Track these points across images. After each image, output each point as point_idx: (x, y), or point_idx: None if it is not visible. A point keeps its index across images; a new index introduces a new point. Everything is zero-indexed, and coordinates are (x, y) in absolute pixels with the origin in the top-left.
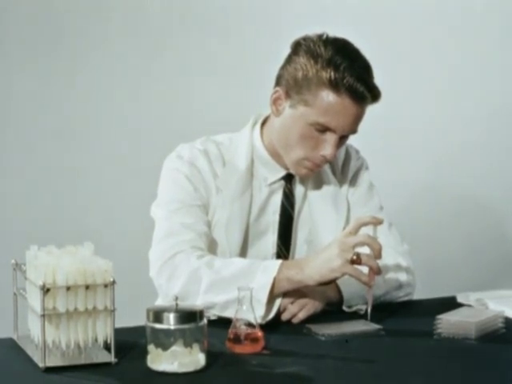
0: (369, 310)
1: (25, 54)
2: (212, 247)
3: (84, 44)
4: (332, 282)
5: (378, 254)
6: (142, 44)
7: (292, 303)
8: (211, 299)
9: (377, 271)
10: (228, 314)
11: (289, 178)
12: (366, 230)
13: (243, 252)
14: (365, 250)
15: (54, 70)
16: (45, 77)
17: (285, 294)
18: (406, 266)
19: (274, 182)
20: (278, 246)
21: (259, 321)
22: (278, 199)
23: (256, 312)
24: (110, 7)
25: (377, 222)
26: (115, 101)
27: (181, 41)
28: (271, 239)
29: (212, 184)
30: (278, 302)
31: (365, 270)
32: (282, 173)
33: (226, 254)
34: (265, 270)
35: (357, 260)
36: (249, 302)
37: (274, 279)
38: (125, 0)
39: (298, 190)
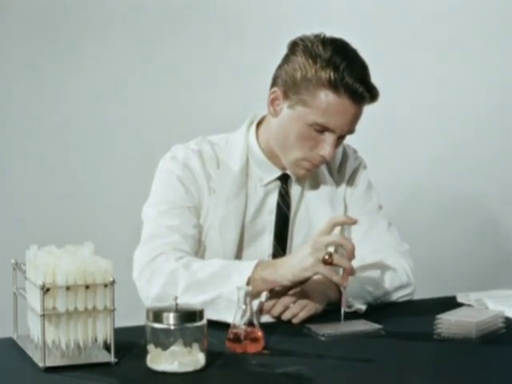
0: (342, 311)
1: (24, 54)
2: (206, 248)
3: (84, 45)
4: (306, 282)
5: (351, 255)
6: (142, 44)
7: (293, 303)
8: (189, 301)
9: (350, 271)
10: (206, 315)
11: (284, 179)
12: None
13: (239, 253)
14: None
15: (54, 72)
16: (45, 77)
17: (282, 294)
18: (406, 266)
19: (270, 183)
20: (275, 247)
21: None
22: (273, 200)
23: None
24: (110, 8)
25: (351, 222)
26: (115, 101)
27: (180, 42)
28: (267, 240)
29: (205, 185)
30: (254, 302)
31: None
32: (278, 173)
33: (220, 256)
34: (240, 271)
35: (329, 259)
36: (242, 302)
37: (249, 280)
38: (125, 1)
39: (295, 190)
